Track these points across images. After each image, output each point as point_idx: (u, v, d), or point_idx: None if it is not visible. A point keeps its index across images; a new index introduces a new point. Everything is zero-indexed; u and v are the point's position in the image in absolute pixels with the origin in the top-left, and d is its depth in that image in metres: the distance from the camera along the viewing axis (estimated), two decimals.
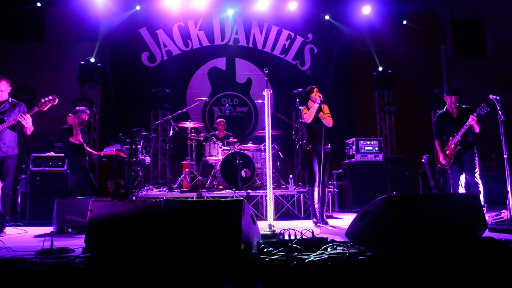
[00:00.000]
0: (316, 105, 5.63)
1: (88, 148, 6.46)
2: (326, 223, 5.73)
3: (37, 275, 2.67)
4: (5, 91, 5.08)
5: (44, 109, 5.03)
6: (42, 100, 4.99)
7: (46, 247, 3.42)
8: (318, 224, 5.58)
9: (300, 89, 9.27)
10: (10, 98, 5.17)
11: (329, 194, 7.01)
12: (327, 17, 11.13)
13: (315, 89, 5.81)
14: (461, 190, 5.90)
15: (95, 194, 6.30)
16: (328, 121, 5.65)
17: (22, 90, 8.88)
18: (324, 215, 5.82)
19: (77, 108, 6.73)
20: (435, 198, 3.75)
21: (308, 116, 5.69)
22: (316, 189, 5.72)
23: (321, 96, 5.68)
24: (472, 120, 5.59)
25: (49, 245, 3.44)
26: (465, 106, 5.99)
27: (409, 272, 2.83)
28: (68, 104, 9.16)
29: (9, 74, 5.38)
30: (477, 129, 5.68)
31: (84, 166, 6.32)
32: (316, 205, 5.75)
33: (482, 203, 5.39)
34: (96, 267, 2.86)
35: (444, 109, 6.11)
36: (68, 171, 6.86)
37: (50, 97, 5.01)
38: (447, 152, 5.95)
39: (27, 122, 4.96)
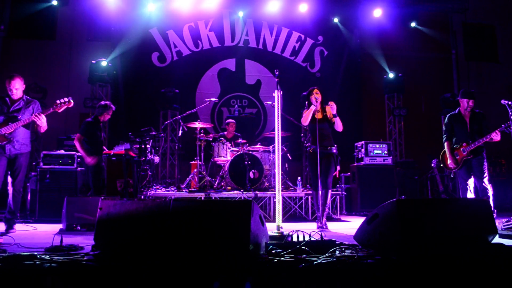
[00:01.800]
0: (313, 107, 5.57)
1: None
2: (325, 226, 5.57)
3: (47, 272, 2.69)
4: (19, 89, 5.12)
5: (59, 111, 5.06)
6: (58, 102, 5.00)
7: (55, 244, 3.46)
8: (324, 228, 5.53)
9: None
10: (24, 96, 5.22)
11: (333, 197, 6.95)
12: (336, 20, 11.11)
13: (315, 91, 5.69)
14: (470, 195, 5.77)
15: (102, 194, 6.30)
16: (338, 125, 5.61)
17: (33, 89, 8.96)
18: (324, 218, 5.62)
19: (104, 102, 6.58)
20: (445, 203, 3.73)
21: (304, 119, 5.66)
22: (319, 193, 5.59)
23: (318, 98, 5.61)
24: (495, 135, 5.44)
25: (58, 242, 3.47)
26: (478, 111, 5.83)
27: (417, 276, 2.81)
28: (78, 103, 9.23)
29: (20, 72, 5.41)
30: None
31: (99, 165, 6.28)
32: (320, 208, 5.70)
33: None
34: (105, 265, 2.87)
35: (457, 111, 5.93)
36: (78, 169, 6.90)
37: (66, 99, 5.03)
38: (457, 157, 5.80)
39: (42, 122, 4.99)
